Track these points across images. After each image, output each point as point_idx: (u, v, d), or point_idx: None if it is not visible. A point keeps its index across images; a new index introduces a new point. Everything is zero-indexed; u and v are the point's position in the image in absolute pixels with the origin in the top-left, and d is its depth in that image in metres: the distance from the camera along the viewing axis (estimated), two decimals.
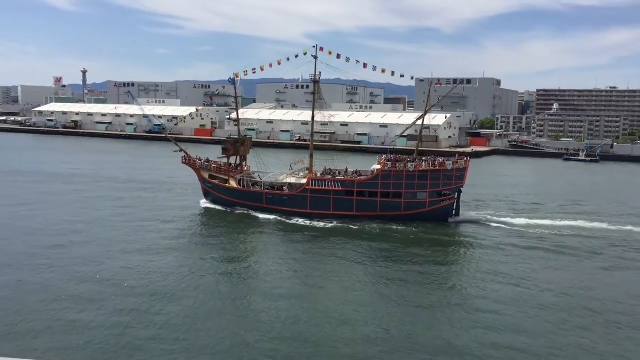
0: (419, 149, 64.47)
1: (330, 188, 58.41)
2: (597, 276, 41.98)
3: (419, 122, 66.26)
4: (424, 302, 35.54)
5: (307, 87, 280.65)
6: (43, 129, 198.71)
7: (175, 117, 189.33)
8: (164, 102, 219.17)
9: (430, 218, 56.94)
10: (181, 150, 67.70)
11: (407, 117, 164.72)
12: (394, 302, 35.27)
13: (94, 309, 32.33)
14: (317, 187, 58.73)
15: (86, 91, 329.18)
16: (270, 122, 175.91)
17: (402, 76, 70.16)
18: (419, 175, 56.96)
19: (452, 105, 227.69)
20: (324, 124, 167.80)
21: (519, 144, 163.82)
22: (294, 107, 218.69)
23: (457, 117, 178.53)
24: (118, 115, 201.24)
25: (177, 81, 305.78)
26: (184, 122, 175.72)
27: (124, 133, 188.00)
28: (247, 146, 66.76)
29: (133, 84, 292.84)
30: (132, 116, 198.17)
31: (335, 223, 56.03)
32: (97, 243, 46.60)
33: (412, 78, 72.36)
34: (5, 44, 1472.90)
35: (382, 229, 54.30)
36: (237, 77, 69.68)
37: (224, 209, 62.02)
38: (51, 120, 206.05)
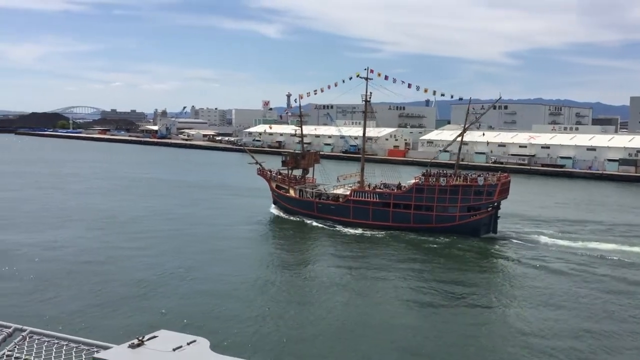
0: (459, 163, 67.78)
1: (369, 199, 63.09)
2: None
3: (459, 139, 68.48)
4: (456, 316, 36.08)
5: (506, 107, 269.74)
6: (251, 148, 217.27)
7: (370, 138, 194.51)
8: (360, 123, 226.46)
9: (460, 231, 58.80)
10: (256, 162, 75.20)
11: (619, 140, 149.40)
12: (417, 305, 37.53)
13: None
14: (358, 198, 63.90)
15: (289, 114, 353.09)
16: (465, 143, 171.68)
17: (459, 98, 75.51)
18: (451, 189, 59.39)
19: None
20: (522, 146, 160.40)
21: None
22: (490, 128, 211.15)
23: None
24: (317, 136, 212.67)
25: (373, 103, 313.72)
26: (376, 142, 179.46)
27: (322, 152, 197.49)
28: (308, 160, 74.14)
29: (332, 107, 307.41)
30: (330, 137, 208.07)
31: (373, 232, 60.20)
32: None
33: (459, 99, 74.55)
34: (220, 71, 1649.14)
35: (412, 239, 57.53)
36: (301, 97, 76.42)
37: (285, 216, 69.59)
38: (258, 141, 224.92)
